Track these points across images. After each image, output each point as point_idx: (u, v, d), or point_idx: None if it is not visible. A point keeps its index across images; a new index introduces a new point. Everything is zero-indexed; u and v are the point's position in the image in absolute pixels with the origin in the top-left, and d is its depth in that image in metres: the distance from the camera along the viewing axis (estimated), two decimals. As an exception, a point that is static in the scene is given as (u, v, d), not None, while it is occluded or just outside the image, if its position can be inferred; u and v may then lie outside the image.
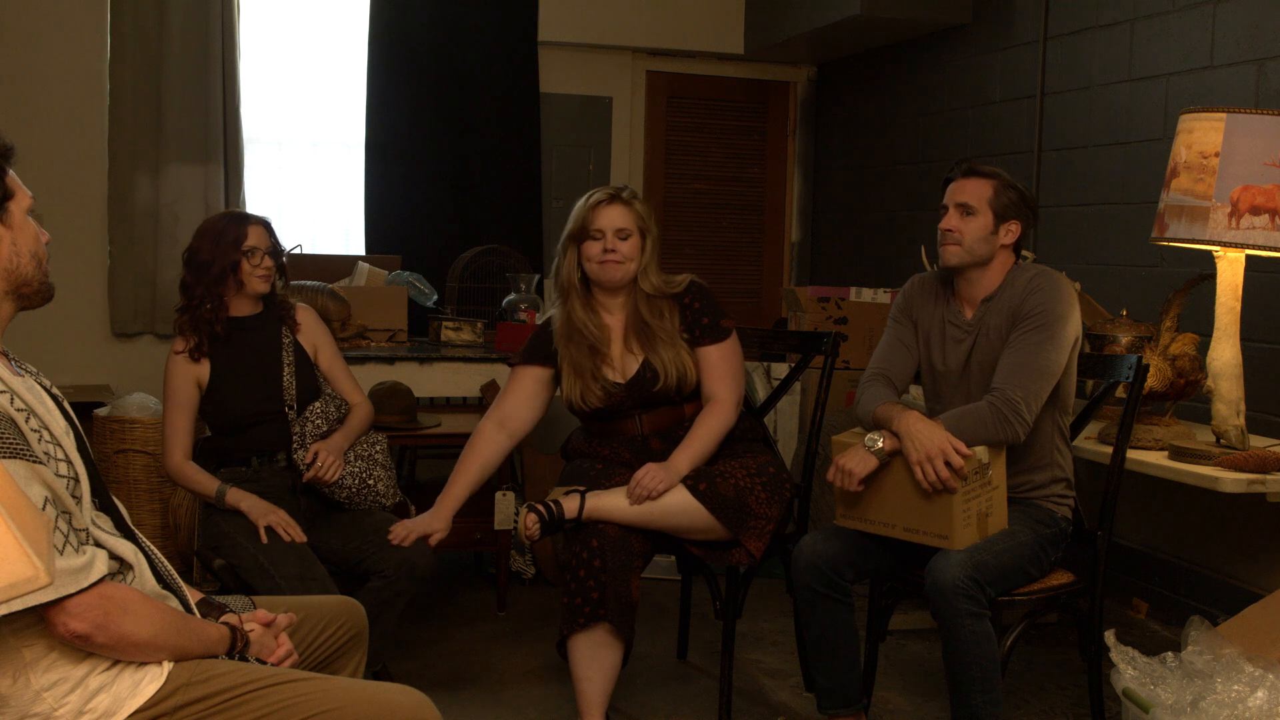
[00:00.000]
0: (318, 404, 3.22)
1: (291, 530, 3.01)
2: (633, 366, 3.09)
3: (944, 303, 2.97)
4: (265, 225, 3.21)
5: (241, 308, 3.21)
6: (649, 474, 2.93)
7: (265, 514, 3.02)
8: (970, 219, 2.84)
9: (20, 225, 1.86)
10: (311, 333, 3.31)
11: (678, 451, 3.01)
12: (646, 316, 3.10)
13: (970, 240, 2.84)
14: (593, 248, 3.07)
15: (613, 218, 3.06)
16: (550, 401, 3.25)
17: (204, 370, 3.18)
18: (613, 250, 3.05)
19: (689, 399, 3.12)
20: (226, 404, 3.17)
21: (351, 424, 3.25)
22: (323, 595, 2.60)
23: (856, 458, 2.76)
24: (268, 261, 3.17)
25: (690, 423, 3.09)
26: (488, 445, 3.18)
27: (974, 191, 2.84)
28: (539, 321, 3.30)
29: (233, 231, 3.13)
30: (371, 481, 3.21)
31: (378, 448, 3.29)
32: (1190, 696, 2.46)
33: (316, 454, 3.11)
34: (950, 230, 2.86)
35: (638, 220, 3.08)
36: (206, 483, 3.12)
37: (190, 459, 3.16)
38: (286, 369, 3.21)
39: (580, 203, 3.12)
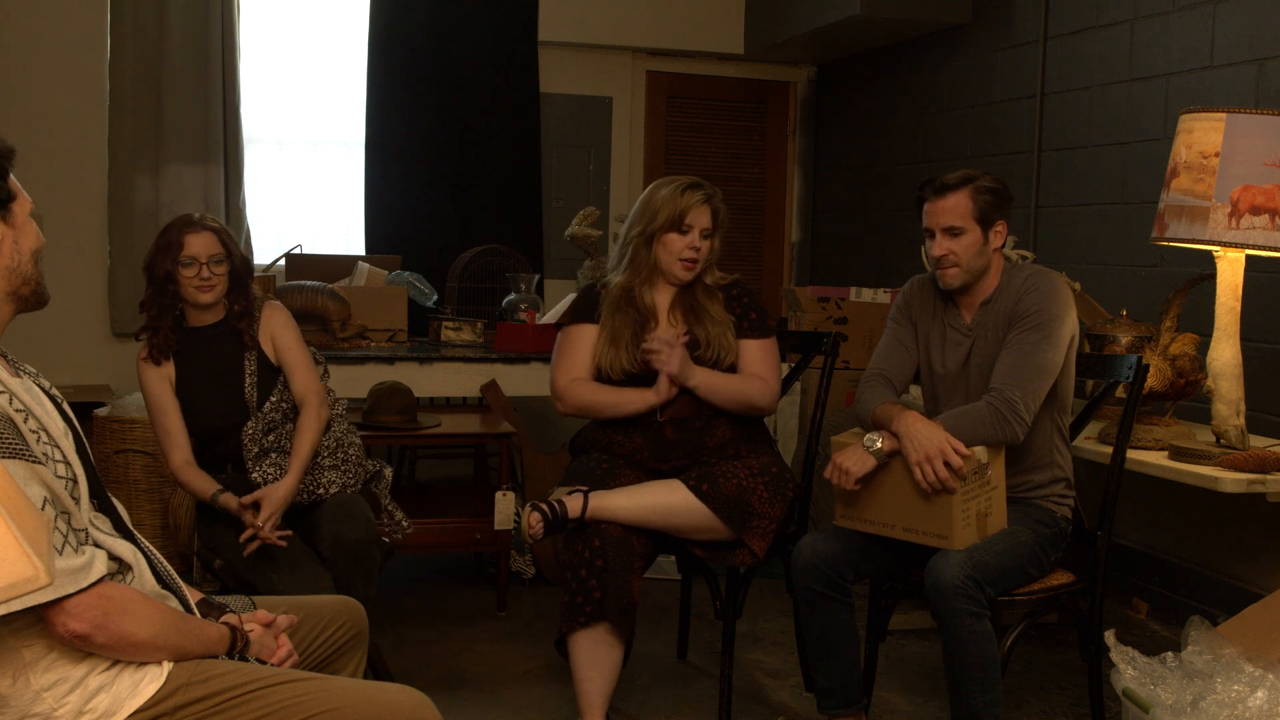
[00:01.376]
0: (250, 425, 3.10)
1: (270, 536, 2.95)
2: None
3: (943, 306, 2.97)
4: (215, 233, 3.09)
5: (201, 318, 3.14)
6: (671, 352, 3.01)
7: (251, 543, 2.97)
8: (960, 239, 2.83)
9: (22, 225, 1.87)
10: (268, 326, 3.18)
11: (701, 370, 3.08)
12: (700, 296, 3.18)
13: (967, 259, 2.84)
14: (678, 242, 3.12)
15: (704, 218, 3.14)
16: None
17: (171, 373, 3.12)
18: (697, 249, 3.13)
19: None
20: (194, 416, 3.12)
21: (300, 452, 3.05)
22: (323, 595, 2.60)
23: (854, 457, 2.76)
24: (204, 272, 3.04)
25: (707, 417, 3.11)
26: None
27: (955, 210, 2.83)
28: (576, 290, 3.36)
29: (174, 238, 3.05)
30: (321, 490, 3.13)
31: (323, 456, 3.17)
32: (1190, 696, 2.46)
33: (259, 516, 2.96)
34: (945, 255, 2.85)
35: (716, 222, 3.17)
36: (204, 487, 3.06)
37: (191, 461, 3.10)
38: (249, 378, 3.14)
39: (667, 189, 3.13)
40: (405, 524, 3.34)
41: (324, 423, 3.14)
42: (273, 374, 3.17)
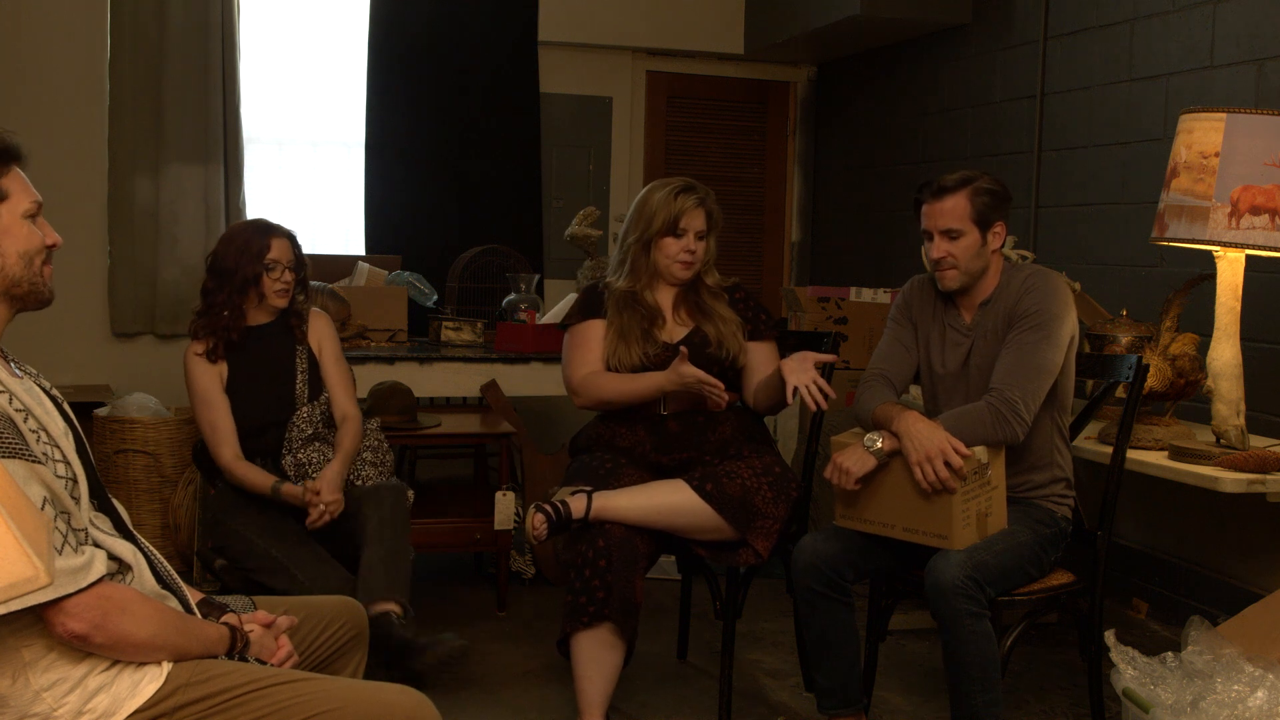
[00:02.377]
0: (306, 409, 3.23)
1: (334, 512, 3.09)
2: (681, 334, 3.20)
3: (943, 306, 2.97)
4: (290, 238, 3.23)
5: (258, 317, 3.25)
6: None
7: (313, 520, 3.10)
8: (958, 241, 2.83)
9: (8, 228, 1.85)
10: (318, 333, 3.33)
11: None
12: (705, 297, 3.24)
13: (965, 261, 2.84)
14: (673, 246, 3.17)
15: (698, 220, 3.18)
16: None
17: (224, 370, 3.21)
18: (692, 252, 3.17)
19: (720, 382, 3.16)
20: (241, 409, 3.19)
21: (346, 447, 3.24)
22: (323, 595, 2.60)
23: (854, 457, 2.76)
24: (288, 275, 3.19)
25: (710, 413, 3.13)
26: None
27: (953, 212, 2.82)
28: (581, 287, 3.44)
29: (257, 243, 3.16)
30: (359, 481, 3.25)
31: (365, 451, 3.32)
32: (1190, 696, 2.46)
33: (319, 492, 3.10)
34: (943, 258, 2.85)
35: (710, 223, 3.21)
36: (260, 480, 3.14)
37: (240, 455, 3.17)
38: (300, 375, 3.25)
39: (661, 194, 3.17)
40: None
41: (361, 432, 3.31)
42: (320, 373, 3.31)
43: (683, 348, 3.02)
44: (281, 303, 3.21)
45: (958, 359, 2.92)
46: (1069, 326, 2.80)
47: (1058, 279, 2.87)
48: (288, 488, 3.12)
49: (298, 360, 3.26)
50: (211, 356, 3.18)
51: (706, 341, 3.17)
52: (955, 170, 2.90)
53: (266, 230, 3.20)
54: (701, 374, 2.96)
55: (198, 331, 3.22)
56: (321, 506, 3.07)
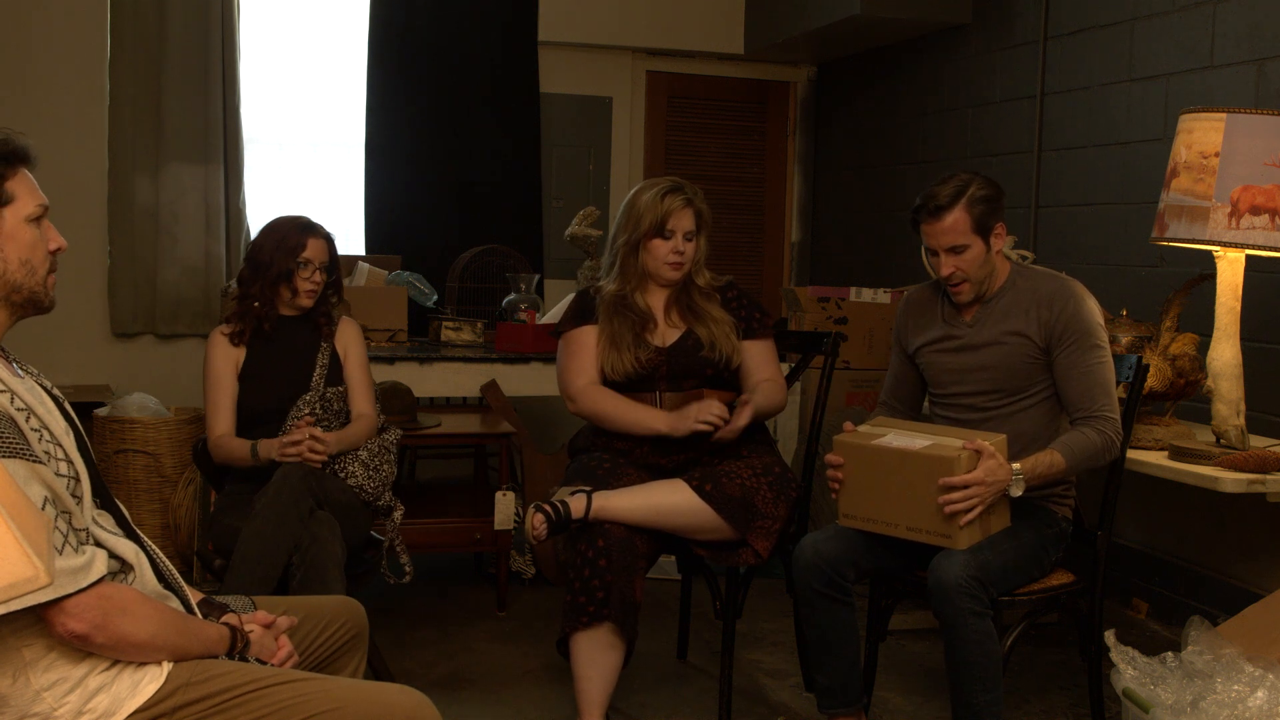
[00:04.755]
0: (309, 395, 3.22)
1: (315, 449, 3.05)
2: (673, 337, 3.18)
3: (939, 311, 2.99)
4: (327, 240, 3.27)
5: (286, 311, 3.28)
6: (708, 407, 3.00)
7: (287, 445, 3.06)
8: (965, 254, 2.84)
9: (11, 232, 1.85)
10: (344, 336, 3.35)
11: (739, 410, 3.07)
12: (696, 299, 3.22)
13: (975, 272, 2.86)
14: (662, 247, 3.15)
15: (686, 221, 3.16)
16: None
17: (241, 357, 3.24)
18: (681, 253, 3.16)
19: (715, 383, 3.16)
20: (252, 396, 3.22)
21: (348, 432, 3.22)
22: (323, 595, 2.60)
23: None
24: (318, 276, 3.22)
25: None
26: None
27: (954, 228, 2.82)
28: (577, 291, 3.49)
29: (294, 239, 3.21)
30: (344, 475, 3.18)
31: (363, 451, 3.25)
32: (1190, 696, 2.46)
33: (306, 432, 3.06)
34: (952, 273, 2.86)
35: (700, 222, 3.20)
36: (240, 447, 3.15)
37: (230, 434, 3.19)
38: (319, 369, 3.26)
39: (648, 195, 3.16)
40: (408, 569, 3.39)
41: (368, 438, 3.27)
42: (340, 371, 3.31)
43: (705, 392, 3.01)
44: (308, 303, 3.24)
45: (957, 357, 2.94)
46: (1105, 332, 2.86)
47: (1071, 281, 2.89)
48: (263, 444, 3.10)
49: (319, 355, 3.27)
50: (235, 340, 3.24)
51: (699, 344, 3.16)
52: (949, 171, 2.91)
53: (306, 229, 3.25)
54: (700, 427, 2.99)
55: (230, 315, 3.28)
56: (307, 433, 3.03)
